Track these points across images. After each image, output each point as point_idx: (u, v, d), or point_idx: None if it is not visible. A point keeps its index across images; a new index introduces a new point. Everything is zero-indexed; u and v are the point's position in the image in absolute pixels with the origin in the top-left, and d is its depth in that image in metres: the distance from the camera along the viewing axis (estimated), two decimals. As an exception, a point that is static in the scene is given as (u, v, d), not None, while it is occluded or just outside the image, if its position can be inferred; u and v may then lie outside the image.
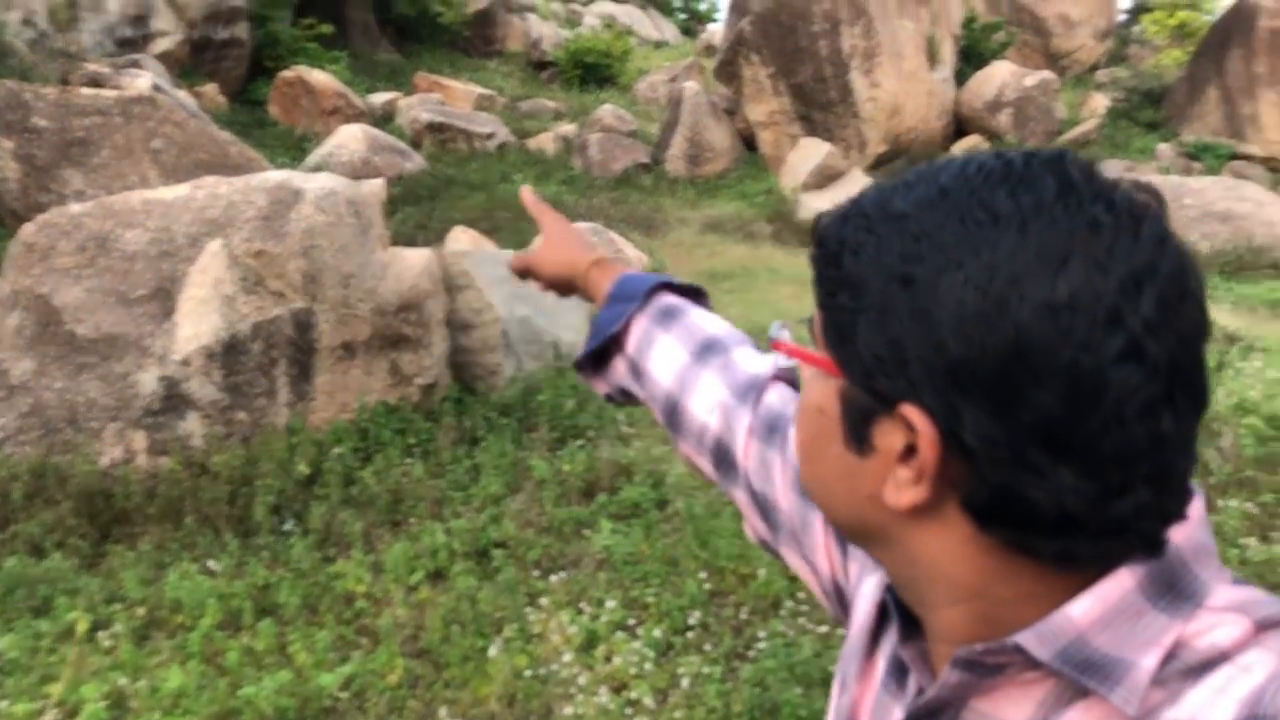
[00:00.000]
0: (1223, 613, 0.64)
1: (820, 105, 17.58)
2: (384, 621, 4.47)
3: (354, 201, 6.76)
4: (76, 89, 11.89)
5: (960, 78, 19.66)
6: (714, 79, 19.29)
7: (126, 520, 5.55)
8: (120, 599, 4.74)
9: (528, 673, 4.17)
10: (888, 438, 0.68)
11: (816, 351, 0.74)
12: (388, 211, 13.59)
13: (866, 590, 0.90)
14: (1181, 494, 0.66)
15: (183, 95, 14.73)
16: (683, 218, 15.22)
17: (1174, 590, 0.65)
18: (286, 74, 17.75)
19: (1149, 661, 0.63)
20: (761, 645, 4.37)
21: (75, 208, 6.78)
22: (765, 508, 1.06)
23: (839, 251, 0.70)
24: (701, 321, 1.22)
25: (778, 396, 1.09)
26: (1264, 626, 0.63)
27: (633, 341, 1.23)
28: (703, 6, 40.78)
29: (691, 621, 4.56)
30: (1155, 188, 0.71)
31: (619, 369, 1.26)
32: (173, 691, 3.81)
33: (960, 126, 19.28)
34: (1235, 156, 19.03)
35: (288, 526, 5.54)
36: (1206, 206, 14.04)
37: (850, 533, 0.77)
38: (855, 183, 15.76)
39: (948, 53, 19.26)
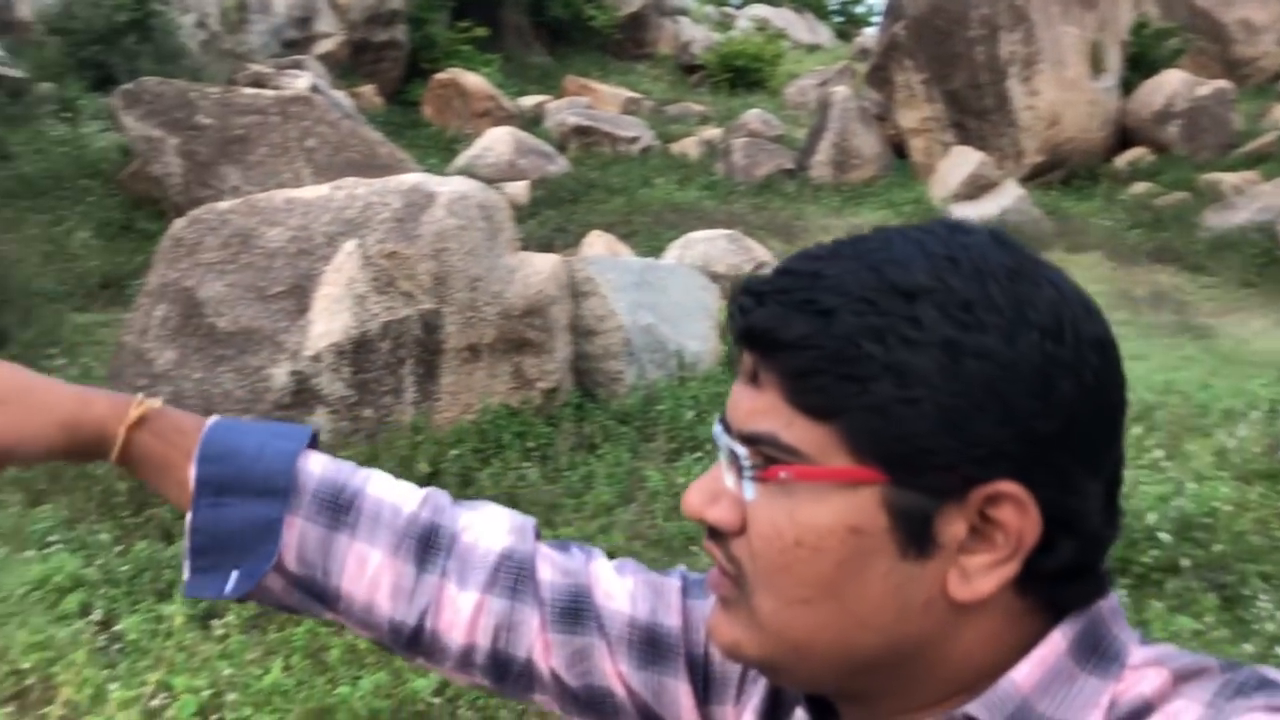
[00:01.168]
0: (1143, 668, 0.65)
1: (975, 113, 17.04)
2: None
3: (485, 206, 6.83)
4: (239, 89, 12.42)
5: (1127, 86, 18.77)
6: (865, 84, 18.93)
7: (252, 510, 5.73)
8: (237, 588, 4.87)
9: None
10: (951, 528, 0.63)
11: (830, 464, 0.64)
12: (529, 213, 13.81)
13: (752, 703, 0.84)
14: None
15: (340, 96, 15.24)
16: (825, 225, 14.95)
17: (1098, 652, 0.66)
18: (441, 76, 18.19)
19: None
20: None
21: (223, 205, 7.06)
22: (591, 700, 0.89)
23: (848, 346, 0.62)
24: (389, 499, 0.92)
25: (550, 569, 0.91)
26: (1182, 677, 0.63)
27: (294, 558, 0.89)
28: (859, 10, 40.17)
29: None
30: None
31: (274, 588, 0.90)
32: (267, 688, 3.89)
33: (1124, 138, 18.41)
34: None
35: (403, 525, 5.62)
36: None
37: (858, 667, 0.67)
38: (1009, 194, 15.23)
39: (1114, 60, 18.41)
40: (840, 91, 17.73)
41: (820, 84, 21.23)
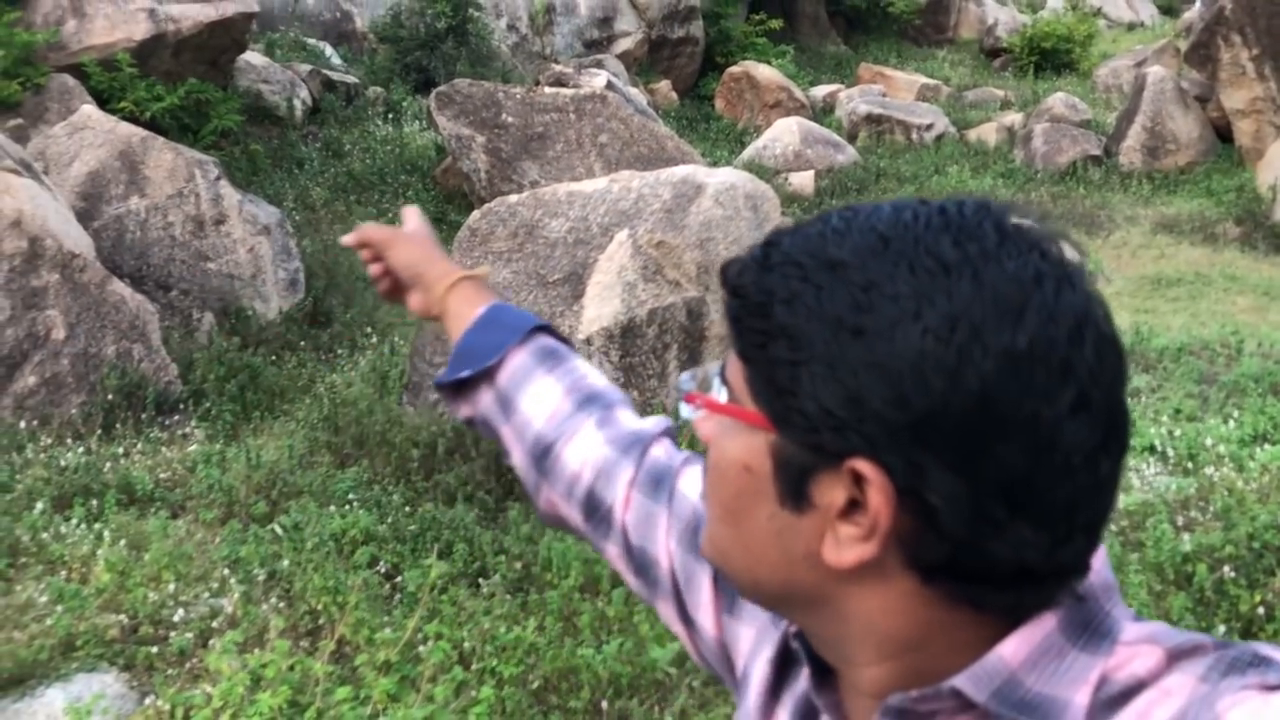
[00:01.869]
0: (1136, 645, 0.66)
1: (1315, 90, 15.39)
2: (725, 606, 4.63)
3: (752, 196, 6.96)
4: (542, 88, 13.17)
5: None
6: (1185, 63, 17.49)
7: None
8: (505, 551, 5.27)
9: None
10: (828, 493, 0.66)
11: (740, 405, 0.71)
12: (814, 204, 13.81)
13: (764, 650, 0.88)
14: (1100, 537, 0.68)
15: (635, 92, 15.81)
16: (1132, 215, 14.01)
17: (1089, 628, 0.67)
18: (734, 69, 18.46)
19: (1081, 699, 0.65)
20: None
21: (513, 198, 7.58)
22: (642, 563, 1.02)
23: (766, 301, 0.68)
24: (585, 371, 1.16)
25: (664, 451, 1.05)
26: (1175, 655, 0.64)
27: (506, 375, 1.16)
28: (1191, -18, 36.98)
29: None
30: (1058, 231, 0.69)
31: (484, 399, 1.18)
32: (522, 643, 4.20)
33: None
34: None
35: (661, 503, 5.87)
36: None
37: (771, 597, 0.74)
38: (1352, 179, 13.67)
39: None
40: (1155, 71, 16.52)
41: (1136, 64, 19.81)
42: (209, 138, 11.89)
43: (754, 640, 0.90)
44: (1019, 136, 16.85)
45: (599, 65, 16.80)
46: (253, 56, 13.93)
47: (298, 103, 14.03)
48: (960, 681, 0.66)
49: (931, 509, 0.64)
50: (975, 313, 0.62)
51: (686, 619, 0.98)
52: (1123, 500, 5.38)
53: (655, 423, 1.09)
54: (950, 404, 0.62)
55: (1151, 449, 6.33)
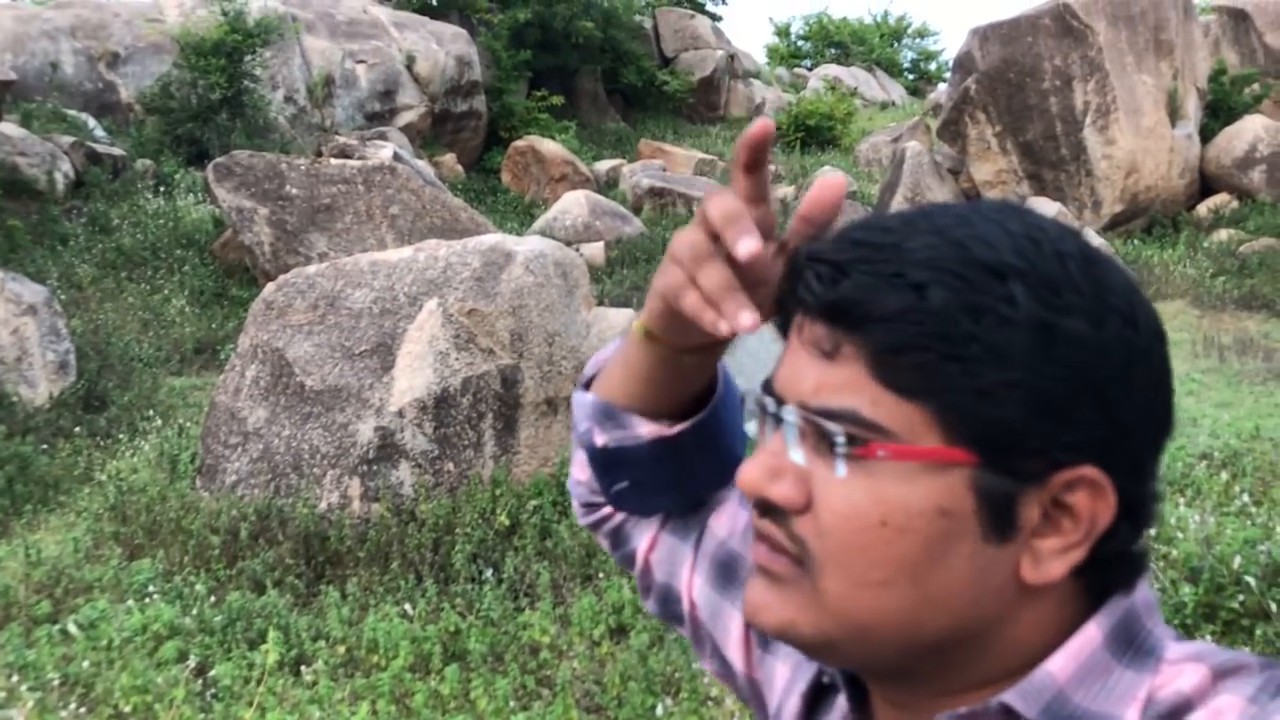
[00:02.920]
0: (1181, 664, 0.64)
1: (1051, 164, 16.94)
2: (564, 673, 4.54)
3: (561, 263, 7.01)
4: (326, 159, 12.89)
5: (1206, 133, 18.51)
6: (938, 139, 18.93)
7: (339, 562, 5.89)
8: (325, 636, 5.01)
9: (701, 736, 4.14)
10: (1029, 511, 0.63)
11: (921, 443, 0.62)
12: (606, 273, 14.03)
13: (799, 685, 0.83)
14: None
15: (422, 165, 15.71)
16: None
17: (1134, 645, 0.65)
18: (519, 143, 18.66)
19: (1131, 716, 0.62)
20: None
21: (311, 269, 7.34)
22: (667, 599, 0.98)
23: (950, 321, 0.60)
24: None
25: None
26: (1220, 674, 0.62)
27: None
28: (932, 67, 40.22)
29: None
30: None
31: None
32: (358, 728, 3.99)
33: (1205, 185, 18.12)
34: None
35: (485, 575, 5.73)
36: None
37: (926, 648, 0.66)
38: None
39: (1191, 107, 18.19)
40: (912, 146, 17.78)
41: (893, 140, 21.29)
42: (-41, 212, 11.01)
43: (789, 676, 0.85)
44: (791, 207, 17.72)
45: (382, 137, 16.62)
46: (8, 127, 13.03)
47: (59, 176, 13.19)
48: (1010, 697, 0.64)
49: (1139, 500, 0.64)
50: (1137, 297, 0.64)
51: (715, 653, 0.94)
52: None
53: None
54: (1151, 390, 0.63)
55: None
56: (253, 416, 6.66)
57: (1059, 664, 0.64)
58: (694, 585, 0.94)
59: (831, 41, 36.08)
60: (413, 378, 6.44)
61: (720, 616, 0.92)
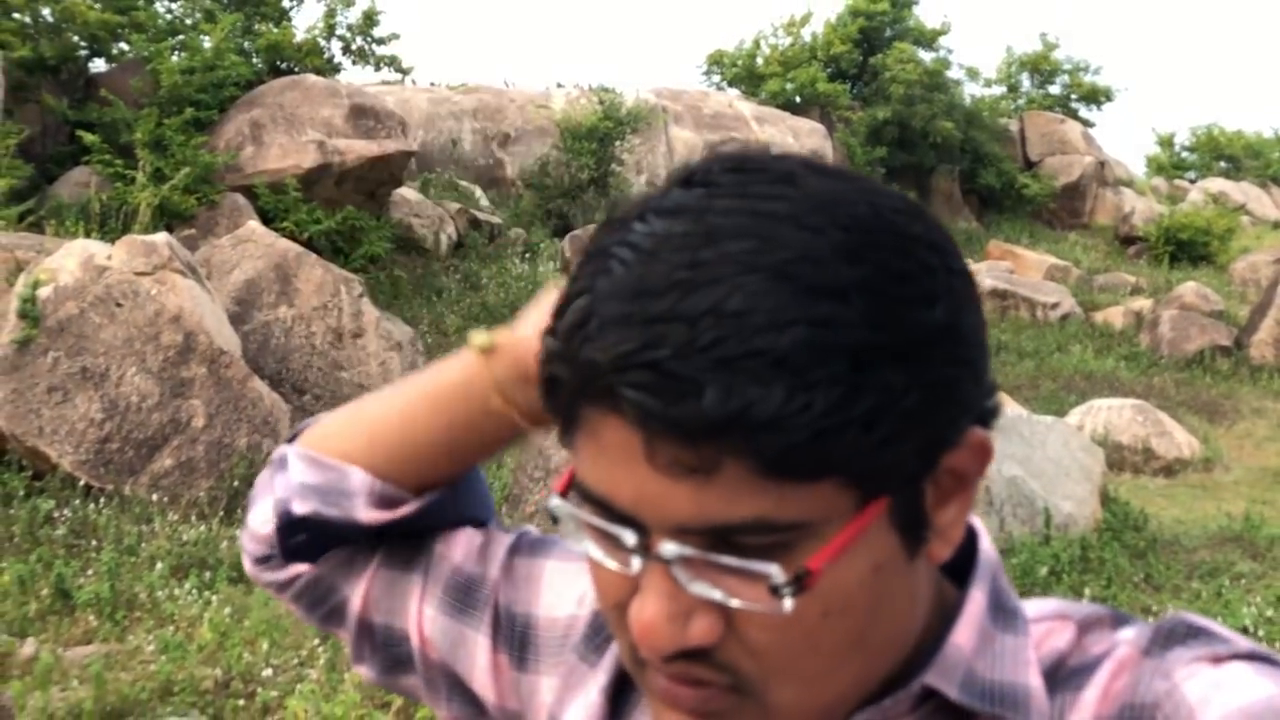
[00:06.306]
0: (1045, 621, 0.63)
1: None
2: None
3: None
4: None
5: None
6: (1326, 261, 17.25)
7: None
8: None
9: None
10: (929, 501, 0.58)
11: (843, 519, 0.54)
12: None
13: (580, 689, 0.76)
14: None
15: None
16: (1259, 408, 13.71)
17: (1004, 609, 0.63)
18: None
19: (1035, 681, 0.60)
20: None
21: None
22: (389, 642, 0.84)
23: (835, 387, 0.51)
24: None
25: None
26: (1085, 627, 0.62)
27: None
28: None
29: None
30: None
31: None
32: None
33: None
34: None
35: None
36: None
37: (879, 669, 0.61)
38: None
39: None
40: (1292, 267, 16.33)
41: (1275, 260, 19.58)
42: (358, 261, 12.77)
43: (560, 687, 0.77)
44: (1146, 321, 16.74)
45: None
46: (408, 192, 14.98)
47: (444, 237, 14.96)
48: (932, 679, 0.59)
49: (990, 412, 0.61)
50: (938, 233, 0.59)
51: (454, 688, 0.83)
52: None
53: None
54: (978, 325, 0.59)
55: (1245, 630, 6.18)
56: (557, 455, 7.33)
57: (964, 635, 0.61)
58: (424, 617, 0.82)
59: (1221, 154, 33.61)
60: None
61: (462, 645, 0.81)
